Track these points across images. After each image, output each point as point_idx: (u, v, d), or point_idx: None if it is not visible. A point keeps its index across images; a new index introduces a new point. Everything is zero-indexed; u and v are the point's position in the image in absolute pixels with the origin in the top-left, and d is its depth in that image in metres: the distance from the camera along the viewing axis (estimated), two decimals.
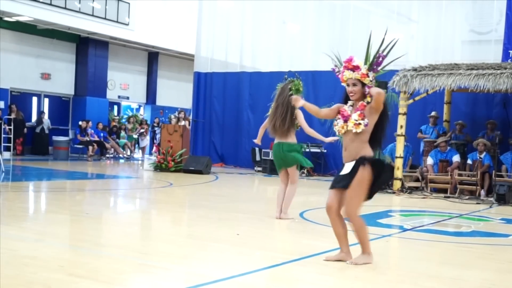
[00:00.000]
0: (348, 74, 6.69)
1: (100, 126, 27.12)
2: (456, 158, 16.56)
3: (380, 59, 6.75)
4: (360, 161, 6.64)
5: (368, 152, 6.71)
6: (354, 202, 6.66)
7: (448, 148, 16.77)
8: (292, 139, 10.08)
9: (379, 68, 6.79)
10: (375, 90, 6.54)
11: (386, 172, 6.96)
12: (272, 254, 7.28)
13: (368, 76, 6.67)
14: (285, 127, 9.89)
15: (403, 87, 16.12)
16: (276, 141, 10.14)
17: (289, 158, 10.04)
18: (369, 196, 6.75)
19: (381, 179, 6.79)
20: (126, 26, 29.18)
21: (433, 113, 18.01)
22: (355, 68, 6.65)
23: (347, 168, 6.75)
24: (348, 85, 6.77)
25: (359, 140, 6.69)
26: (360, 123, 6.63)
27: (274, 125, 9.97)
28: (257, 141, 10.92)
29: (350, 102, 6.85)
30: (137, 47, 32.26)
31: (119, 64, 31.97)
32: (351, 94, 6.76)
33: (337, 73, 6.85)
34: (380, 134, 6.85)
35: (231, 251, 7.35)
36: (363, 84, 6.70)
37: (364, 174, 6.60)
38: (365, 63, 6.73)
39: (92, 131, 26.32)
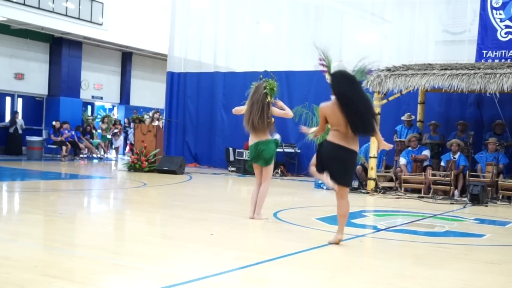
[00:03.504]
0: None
1: (68, 126, 26.72)
2: (426, 152, 16.66)
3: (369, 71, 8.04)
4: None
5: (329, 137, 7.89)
6: None
7: (418, 146, 16.83)
8: (268, 137, 10.03)
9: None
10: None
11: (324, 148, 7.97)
12: (246, 254, 7.28)
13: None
14: (265, 124, 9.85)
15: (377, 87, 16.17)
16: (253, 141, 10.03)
17: (267, 156, 9.95)
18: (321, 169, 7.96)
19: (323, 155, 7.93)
20: (100, 26, 29.09)
21: (405, 116, 18.01)
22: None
23: None
24: None
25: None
26: None
27: (253, 124, 9.87)
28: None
29: None
30: (110, 47, 32.17)
31: (93, 64, 31.85)
32: None
33: (322, 65, 7.84)
34: (352, 121, 7.64)
35: (205, 251, 7.32)
36: None
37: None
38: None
39: (67, 132, 26.12)
